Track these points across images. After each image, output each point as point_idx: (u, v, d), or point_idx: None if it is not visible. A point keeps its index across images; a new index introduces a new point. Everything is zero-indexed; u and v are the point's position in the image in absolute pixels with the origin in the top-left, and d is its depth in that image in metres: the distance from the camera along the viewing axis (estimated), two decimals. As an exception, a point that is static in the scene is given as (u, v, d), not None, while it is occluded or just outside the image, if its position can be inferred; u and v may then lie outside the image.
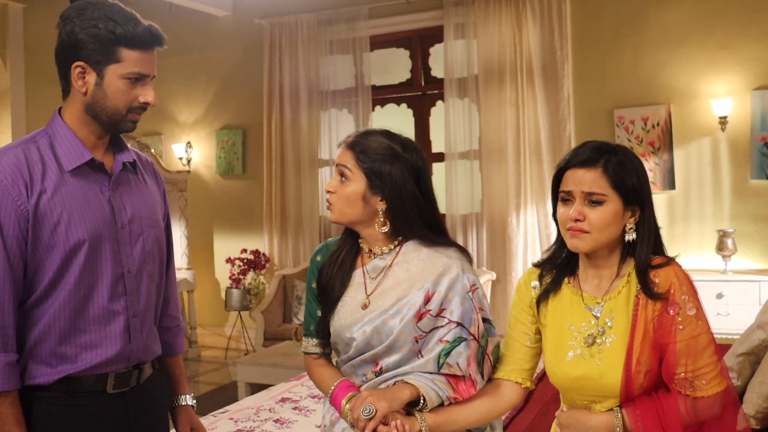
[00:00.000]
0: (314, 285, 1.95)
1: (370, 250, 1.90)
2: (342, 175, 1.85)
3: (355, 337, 1.82)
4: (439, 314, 1.78)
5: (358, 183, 1.83)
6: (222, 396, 5.48)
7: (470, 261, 1.90)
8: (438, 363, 1.76)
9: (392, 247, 1.88)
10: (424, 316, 1.78)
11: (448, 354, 1.75)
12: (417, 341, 1.78)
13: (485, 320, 1.83)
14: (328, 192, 1.88)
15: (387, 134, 1.89)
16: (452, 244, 1.89)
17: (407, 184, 1.83)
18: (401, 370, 1.78)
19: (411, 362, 1.78)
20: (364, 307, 1.84)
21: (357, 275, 1.90)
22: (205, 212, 7.74)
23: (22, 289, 1.74)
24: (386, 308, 1.81)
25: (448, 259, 1.84)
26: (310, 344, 1.97)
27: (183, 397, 2.11)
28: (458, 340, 1.76)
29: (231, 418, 3.28)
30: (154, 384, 1.98)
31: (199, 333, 7.61)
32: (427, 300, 1.79)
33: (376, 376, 1.82)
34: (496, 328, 1.87)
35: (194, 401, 2.14)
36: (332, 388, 1.85)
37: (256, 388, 4.82)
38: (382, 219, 1.85)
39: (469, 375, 1.77)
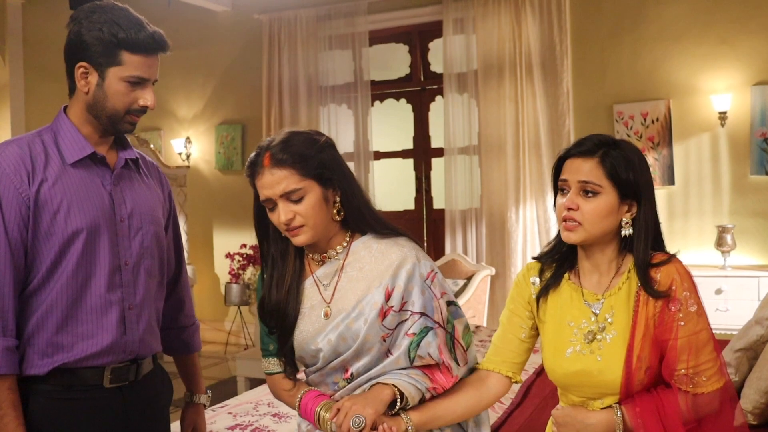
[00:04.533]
0: (258, 308, 1.86)
1: (323, 256, 1.82)
2: (289, 198, 1.70)
3: (321, 347, 1.75)
4: (401, 309, 1.73)
5: (313, 191, 1.72)
6: (222, 390, 5.48)
7: (422, 248, 1.85)
8: (409, 357, 1.71)
9: (344, 245, 1.81)
10: (388, 313, 1.72)
11: (417, 346, 1.70)
12: (384, 340, 1.72)
13: (450, 303, 1.79)
14: (288, 220, 1.71)
15: (293, 132, 1.77)
16: (400, 233, 1.83)
17: (344, 164, 1.79)
18: (374, 371, 1.73)
19: (381, 362, 1.73)
20: (326, 316, 1.77)
21: (308, 285, 1.82)
22: (205, 207, 7.74)
23: (23, 276, 1.77)
24: (348, 312, 1.74)
25: (401, 249, 1.78)
26: (272, 364, 1.87)
27: (197, 395, 2.15)
28: (425, 331, 1.71)
29: (230, 413, 3.29)
30: (154, 380, 1.99)
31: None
32: (388, 296, 1.73)
33: (348, 383, 1.76)
34: (459, 307, 1.83)
35: (208, 401, 2.16)
36: (299, 399, 1.79)
37: (255, 382, 4.83)
38: (339, 207, 1.77)
39: (443, 362, 1.73)
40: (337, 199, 1.77)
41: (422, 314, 1.72)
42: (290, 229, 1.73)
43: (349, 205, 1.78)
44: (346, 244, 1.81)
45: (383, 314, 1.72)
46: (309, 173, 1.71)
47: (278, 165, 1.70)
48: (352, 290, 1.76)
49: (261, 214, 1.82)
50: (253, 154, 1.76)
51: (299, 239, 1.74)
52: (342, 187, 1.76)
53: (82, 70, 1.80)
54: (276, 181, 1.70)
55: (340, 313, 1.75)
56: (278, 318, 1.80)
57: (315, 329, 1.77)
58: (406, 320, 1.73)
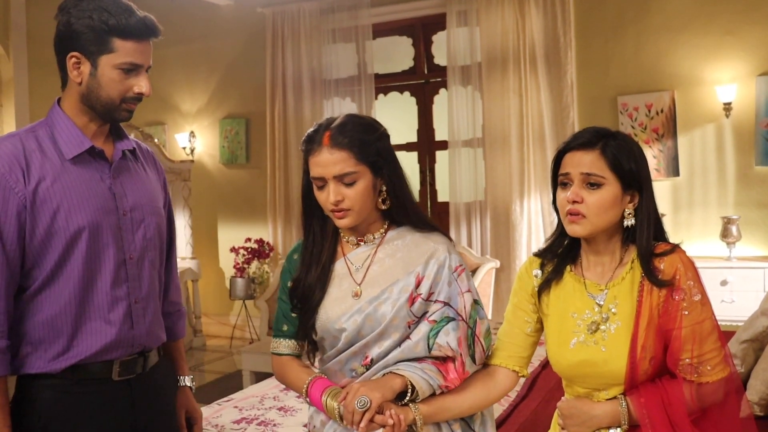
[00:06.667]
0: (291, 284, 1.87)
1: (360, 239, 1.84)
2: (341, 180, 1.72)
3: (345, 327, 1.76)
4: (428, 298, 1.76)
5: (365, 177, 1.74)
6: (227, 384, 5.50)
7: (453, 244, 1.88)
8: (428, 344, 1.73)
9: (381, 232, 1.84)
10: (416, 300, 1.75)
11: (437, 334, 1.73)
12: (409, 326, 1.75)
13: (475, 301, 1.81)
14: (337, 202, 1.72)
15: (354, 116, 1.79)
16: (435, 228, 1.87)
17: (396, 157, 1.82)
18: (391, 356, 1.74)
19: (400, 347, 1.74)
20: (356, 296, 1.79)
21: (338, 267, 1.84)
22: (209, 202, 7.74)
23: (18, 278, 1.76)
24: (376, 295, 1.77)
25: (434, 242, 1.82)
26: (282, 345, 1.88)
27: (181, 378, 2.12)
28: (446, 320, 1.74)
29: (235, 407, 3.30)
30: (160, 371, 1.99)
31: (204, 322, 7.63)
32: (418, 284, 1.76)
33: (367, 370, 1.77)
34: (484, 309, 1.85)
35: (193, 383, 2.15)
36: (306, 386, 1.79)
37: (260, 376, 4.84)
38: (384, 196, 1.80)
39: (460, 354, 1.74)
40: (384, 188, 1.79)
41: (446, 304, 1.75)
42: (336, 211, 1.75)
43: (395, 197, 1.80)
44: (383, 231, 1.84)
45: (412, 300, 1.75)
46: (365, 159, 1.73)
47: (337, 146, 1.71)
48: (383, 275, 1.79)
49: (308, 189, 1.83)
50: (311, 130, 1.78)
51: (343, 222, 1.77)
52: (391, 179, 1.79)
53: (74, 60, 1.77)
54: (333, 161, 1.71)
55: (369, 295, 1.78)
56: (307, 295, 1.82)
57: (342, 309, 1.79)
58: (430, 309, 1.76)
